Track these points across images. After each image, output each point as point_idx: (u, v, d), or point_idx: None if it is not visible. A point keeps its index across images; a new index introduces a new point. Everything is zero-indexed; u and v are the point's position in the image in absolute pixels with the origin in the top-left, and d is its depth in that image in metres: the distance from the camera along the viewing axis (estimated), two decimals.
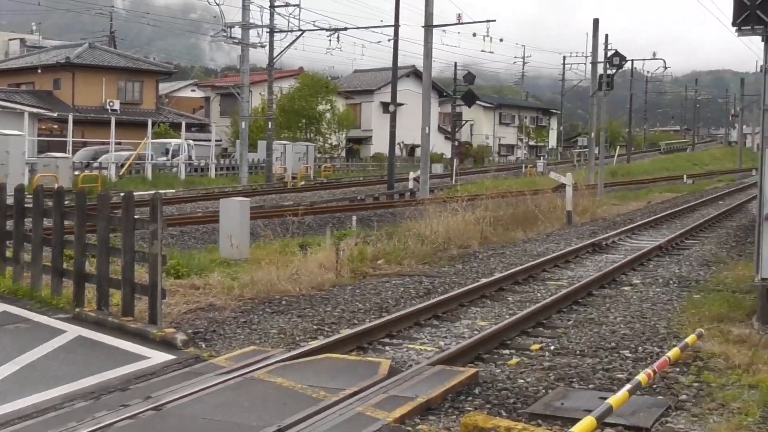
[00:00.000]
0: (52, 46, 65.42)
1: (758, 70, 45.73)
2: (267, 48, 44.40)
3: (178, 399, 7.35)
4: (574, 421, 6.49)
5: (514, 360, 9.03)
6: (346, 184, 45.65)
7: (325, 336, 9.97)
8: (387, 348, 9.59)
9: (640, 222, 24.92)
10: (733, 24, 12.26)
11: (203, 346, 9.63)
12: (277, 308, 11.63)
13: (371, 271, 14.96)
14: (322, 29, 42.35)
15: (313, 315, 11.23)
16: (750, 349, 9.19)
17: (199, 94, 71.81)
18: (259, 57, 61.84)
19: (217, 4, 40.46)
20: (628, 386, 6.87)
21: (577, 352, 9.43)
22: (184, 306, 11.47)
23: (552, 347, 9.72)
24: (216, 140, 50.76)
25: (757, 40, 13.39)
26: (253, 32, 43.64)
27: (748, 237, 20.73)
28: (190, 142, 47.80)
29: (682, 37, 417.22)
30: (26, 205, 12.32)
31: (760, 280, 11.10)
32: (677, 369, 8.47)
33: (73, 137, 39.26)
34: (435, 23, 36.17)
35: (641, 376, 7.16)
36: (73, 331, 9.91)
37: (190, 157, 46.31)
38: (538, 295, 13.12)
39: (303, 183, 44.73)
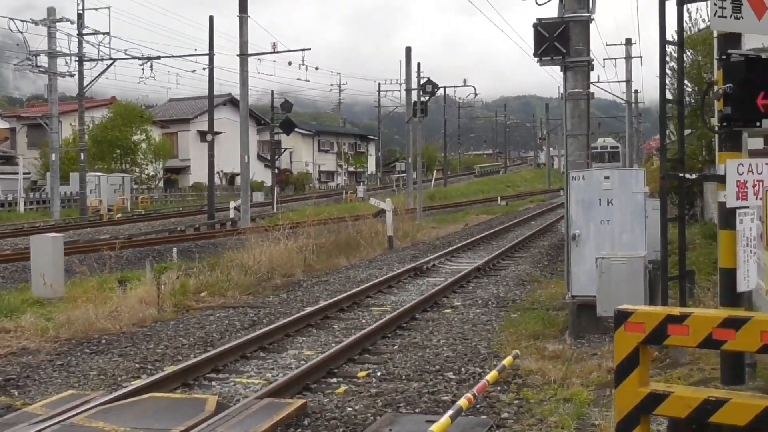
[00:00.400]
0: None
1: (560, 96, 48.50)
2: (76, 77, 42.80)
3: None
4: None
5: (342, 388, 9.07)
6: (165, 215, 44.62)
7: (148, 374, 9.69)
8: (213, 383, 9.41)
9: (459, 244, 25.64)
10: (535, 54, 13.07)
11: (16, 393, 9.18)
12: (96, 348, 11.21)
13: (194, 305, 14.69)
14: (134, 58, 41.33)
15: (135, 353, 10.88)
16: (564, 363, 9.60)
17: (3, 124, 68.47)
18: (68, 86, 59.82)
19: (21, 32, 38.65)
20: (450, 412, 6.92)
21: (404, 377, 9.55)
22: None
23: (379, 373, 9.81)
24: (24, 173, 48.63)
25: (557, 69, 14.37)
26: (60, 61, 42.05)
27: (559, 256, 21.63)
28: None
29: (491, 64, 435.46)
30: None
31: (570, 297, 11.77)
32: (498, 388, 8.72)
33: None
34: (250, 52, 36.10)
35: (462, 401, 7.24)
36: None
37: None
38: (363, 321, 13.24)
39: (120, 215, 43.44)
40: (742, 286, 7.37)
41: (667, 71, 10.09)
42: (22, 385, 9.47)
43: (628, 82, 50.46)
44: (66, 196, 47.12)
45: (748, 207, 7.27)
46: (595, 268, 10.68)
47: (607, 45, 49.66)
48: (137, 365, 10.25)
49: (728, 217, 7.32)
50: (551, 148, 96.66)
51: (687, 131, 11.40)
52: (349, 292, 15.51)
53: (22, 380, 9.64)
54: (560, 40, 12.96)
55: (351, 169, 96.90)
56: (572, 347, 10.73)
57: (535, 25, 13.24)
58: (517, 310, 14.02)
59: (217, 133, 45.18)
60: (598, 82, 43.88)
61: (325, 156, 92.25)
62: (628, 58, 50.22)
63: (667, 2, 9.09)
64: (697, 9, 23.74)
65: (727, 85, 6.99)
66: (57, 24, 41.45)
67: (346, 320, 13.41)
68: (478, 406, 8.01)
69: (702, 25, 23.23)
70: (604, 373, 9.20)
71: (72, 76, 42.79)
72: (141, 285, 14.88)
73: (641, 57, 60.46)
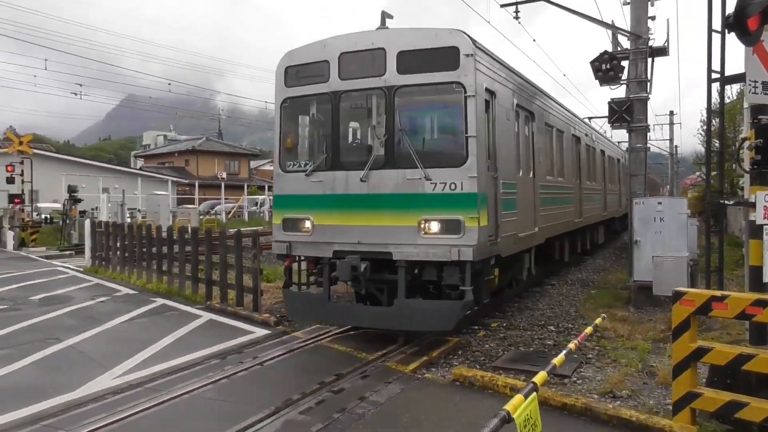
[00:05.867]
0: (183, 138, 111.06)
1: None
2: None
3: (274, 358, 12.71)
4: (529, 373, 10.71)
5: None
6: None
7: None
8: None
9: None
10: (609, 122, 19.82)
11: (287, 324, 15.50)
12: None
13: None
14: None
15: None
16: (629, 324, 14.75)
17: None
18: None
19: None
20: (564, 351, 8.85)
21: (521, 328, 15.11)
22: (273, 300, 17.44)
23: (505, 324, 15.40)
24: None
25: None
26: None
27: (622, 254, 29.18)
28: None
29: None
30: (173, 238, 20.63)
31: (632, 281, 17.76)
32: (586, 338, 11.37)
33: (198, 195, 67.18)
34: None
35: (571, 345, 9.40)
36: (206, 316, 16.50)
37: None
38: None
39: None
40: (766, 278, 9.62)
41: (701, 132, 15.26)
42: (290, 321, 15.96)
43: (671, 140, 77.33)
44: None
45: None
46: (652, 263, 16.43)
47: (656, 115, 73.98)
48: None
49: (757, 231, 9.85)
50: None
51: (713, 173, 15.73)
52: None
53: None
54: (627, 112, 20.09)
55: None
56: (634, 314, 16.06)
57: (609, 103, 20.29)
58: (595, 288, 20.05)
59: None
60: (649, 140, 52.12)
61: None
62: (671, 124, 75.27)
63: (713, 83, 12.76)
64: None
65: (758, 140, 9.88)
66: None
67: None
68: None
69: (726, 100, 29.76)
70: (658, 333, 13.75)
71: None
72: None
73: (680, 123, 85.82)
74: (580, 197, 24.44)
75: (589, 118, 35.69)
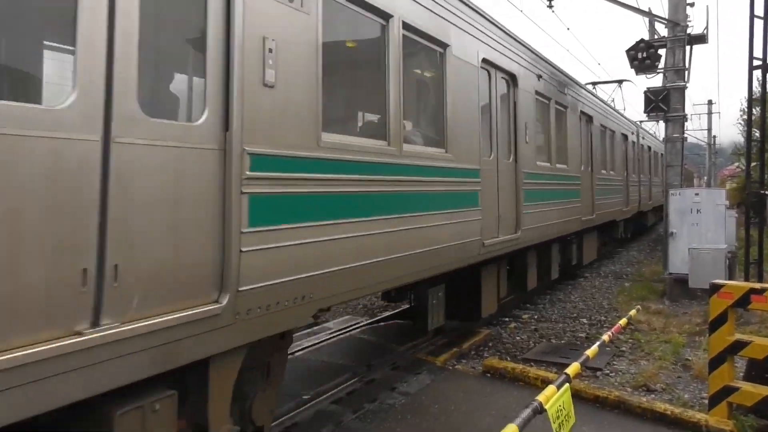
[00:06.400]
0: None
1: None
2: None
3: (305, 348, 12.60)
4: (561, 365, 10.75)
5: None
6: None
7: None
8: None
9: None
10: (645, 112, 19.56)
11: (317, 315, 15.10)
12: None
13: None
14: None
15: None
16: (664, 317, 14.98)
17: None
18: None
19: None
20: (598, 343, 9.25)
21: (552, 320, 15.43)
22: None
23: (536, 316, 15.72)
24: None
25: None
26: None
27: (657, 246, 29.39)
28: None
29: None
30: None
31: (667, 274, 17.97)
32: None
33: None
34: None
35: (605, 337, 9.84)
36: None
37: None
38: None
39: None
40: None
41: (741, 122, 15.20)
42: None
43: (709, 130, 78.94)
44: None
45: None
46: (688, 255, 16.55)
47: (693, 105, 78.08)
48: None
49: None
50: None
51: (753, 163, 15.77)
52: None
53: None
54: (663, 102, 19.75)
55: None
56: (669, 307, 16.15)
57: (645, 92, 19.90)
58: (629, 281, 20.19)
59: None
60: (686, 130, 53.38)
61: None
62: (710, 113, 76.72)
63: (754, 70, 13.62)
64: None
65: None
66: None
67: None
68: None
69: None
70: (693, 326, 13.93)
71: None
72: None
73: (719, 113, 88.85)
74: (515, 193, 13.14)
75: (593, 84, 34.22)
